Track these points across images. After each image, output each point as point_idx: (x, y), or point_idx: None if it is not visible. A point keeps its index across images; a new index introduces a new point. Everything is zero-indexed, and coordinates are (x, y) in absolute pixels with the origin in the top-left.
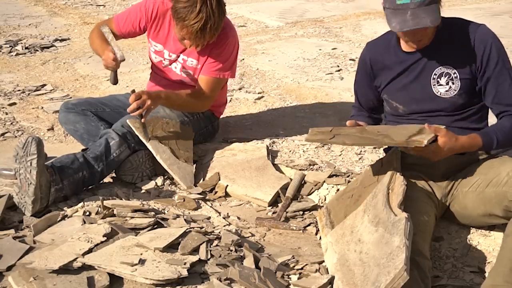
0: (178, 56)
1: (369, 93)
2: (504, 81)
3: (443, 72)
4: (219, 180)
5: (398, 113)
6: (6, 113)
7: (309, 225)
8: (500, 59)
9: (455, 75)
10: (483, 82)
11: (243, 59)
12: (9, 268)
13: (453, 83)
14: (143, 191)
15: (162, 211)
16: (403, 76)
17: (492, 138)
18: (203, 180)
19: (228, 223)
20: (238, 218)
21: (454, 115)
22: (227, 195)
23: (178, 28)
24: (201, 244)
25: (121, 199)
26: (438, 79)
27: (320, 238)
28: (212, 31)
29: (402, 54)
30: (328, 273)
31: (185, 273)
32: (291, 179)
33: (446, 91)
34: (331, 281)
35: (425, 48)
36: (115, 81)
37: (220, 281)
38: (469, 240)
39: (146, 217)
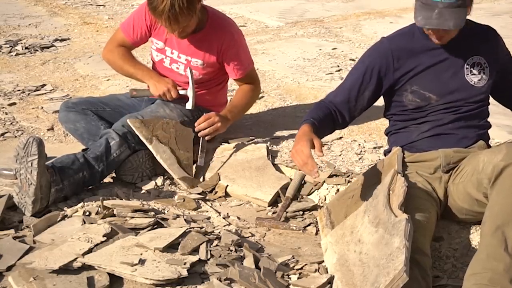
0: (179, 57)
1: (367, 92)
2: None
3: (475, 61)
4: (219, 180)
5: (429, 105)
6: (6, 113)
7: (309, 225)
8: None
9: (486, 64)
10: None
11: None
12: (9, 268)
13: (484, 73)
14: (143, 191)
15: (162, 211)
16: (437, 65)
17: None
18: (203, 180)
19: (228, 223)
20: (238, 218)
21: (480, 106)
22: (227, 195)
23: (159, 21)
24: (201, 244)
25: (121, 199)
26: (471, 69)
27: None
28: (184, 10)
29: (433, 43)
30: (327, 273)
31: (185, 273)
32: (291, 179)
33: (479, 80)
34: (330, 281)
35: (456, 38)
36: (135, 97)
37: (220, 281)
38: (469, 240)
39: (146, 217)
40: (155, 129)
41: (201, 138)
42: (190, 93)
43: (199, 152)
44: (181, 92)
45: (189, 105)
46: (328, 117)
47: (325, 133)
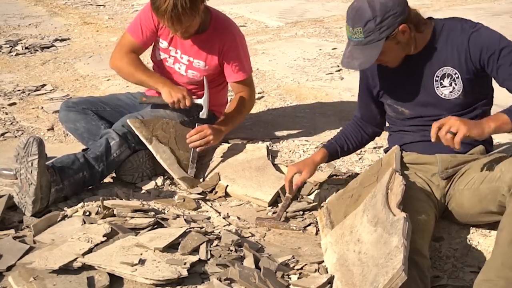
0: (182, 57)
1: (371, 103)
2: None
3: (445, 73)
4: (219, 180)
5: (405, 117)
6: (6, 113)
7: (309, 225)
8: (506, 47)
9: (457, 75)
10: (493, 72)
11: None
12: (9, 268)
13: (456, 84)
14: (143, 191)
15: (162, 211)
16: (406, 79)
17: None
18: (203, 180)
19: (228, 223)
20: (238, 218)
21: (461, 115)
22: (227, 195)
23: (162, 21)
24: (201, 244)
25: (121, 199)
26: (441, 81)
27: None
28: (187, 10)
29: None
30: (327, 273)
31: (185, 273)
32: None
33: (450, 92)
34: (330, 281)
35: (424, 50)
36: (145, 104)
37: (220, 281)
38: (469, 240)
39: (146, 217)
40: (155, 129)
41: (192, 149)
42: (205, 103)
43: (190, 163)
44: (195, 101)
45: (203, 115)
46: (356, 133)
47: (356, 148)
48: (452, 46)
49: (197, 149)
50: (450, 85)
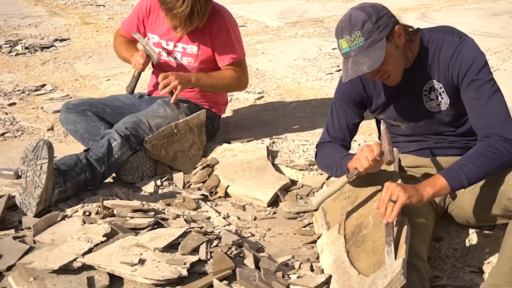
0: (176, 46)
1: (354, 117)
2: (479, 99)
3: (432, 86)
4: (219, 181)
5: (404, 133)
6: (6, 113)
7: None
8: (478, 78)
9: (442, 89)
10: (463, 99)
11: None
12: (9, 268)
13: (442, 98)
14: (143, 191)
15: (162, 211)
16: (396, 96)
17: (460, 177)
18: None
19: (228, 223)
20: (238, 218)
21: (456, 127)
22: (227, 195)
23: (169, 19)
24: (201, 244)
25: (121, 199)
26: (429, 94)
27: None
28: (199, 15)
29: None
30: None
31: (185, 273)
32: (290, 180)
33: (438, 105)
34: (328, 281)
35: (414, 65)
36: (132, 90)
37: (220, 281)
38: (469, 240)
39: (146, 217)
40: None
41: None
42: (150, 51)
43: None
44: (147, 53)
45: (154, 60)
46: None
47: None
48: (438, 60)
49: (172, 100)
50: (437, 98)
